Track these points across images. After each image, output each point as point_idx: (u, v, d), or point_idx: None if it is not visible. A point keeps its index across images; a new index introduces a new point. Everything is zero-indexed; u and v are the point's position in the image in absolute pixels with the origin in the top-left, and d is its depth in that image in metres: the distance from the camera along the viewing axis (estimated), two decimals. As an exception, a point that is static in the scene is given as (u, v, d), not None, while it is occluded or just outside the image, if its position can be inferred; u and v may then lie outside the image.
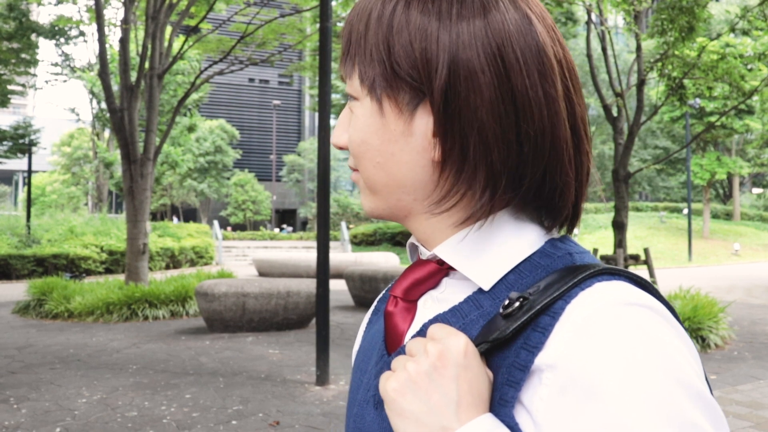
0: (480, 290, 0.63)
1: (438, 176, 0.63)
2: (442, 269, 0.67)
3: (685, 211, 37.86)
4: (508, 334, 0.56)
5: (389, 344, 0.68)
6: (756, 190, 52.76)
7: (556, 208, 0.64)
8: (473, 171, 0.60)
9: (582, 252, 0.64)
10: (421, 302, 0.68)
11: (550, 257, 0.62)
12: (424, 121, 0.61)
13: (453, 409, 0.54)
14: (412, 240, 0.72)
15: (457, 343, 0.56)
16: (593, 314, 0.53)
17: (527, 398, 0.54)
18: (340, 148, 0.69)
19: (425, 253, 0.68)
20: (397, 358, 0.59)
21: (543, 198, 0.63)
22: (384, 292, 0.81)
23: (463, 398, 0.54)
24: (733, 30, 10.36)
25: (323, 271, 6.40)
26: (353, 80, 0.65)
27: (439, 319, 0.64)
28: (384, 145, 0.63)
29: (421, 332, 0.65)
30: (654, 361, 0.50)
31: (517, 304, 0.57)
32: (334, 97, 32.23)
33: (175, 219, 42.23)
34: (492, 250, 0.63)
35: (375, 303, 0.82)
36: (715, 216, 40.77)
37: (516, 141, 0.59)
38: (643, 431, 0.48)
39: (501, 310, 0.58)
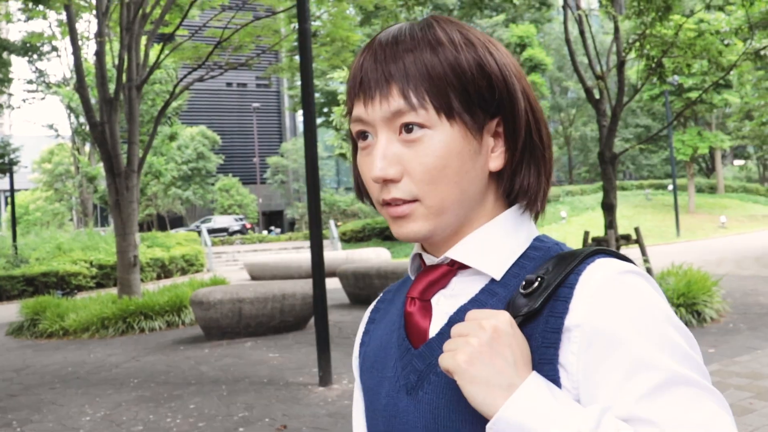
0: (491, 281, 0.76)
1: (497, 180, 0.79)
2: (452, 270, 0.79)
3: (670, 187, 38.18)
4: (539, 306, 0.69)
5: (413, 339, 0.79)
6: (738, 162, 53.28)
7: (537, 202, 0.80)
8: (537, 167, 0.79)
9: (563, 244, 0.80)
10: (434, 301, 0.79)
11: (541, 249, 0.77)
12: (486, 138, 0.76)
13: (513, 369, 0.66)
14: (416, 250, 0.83)
15: (504, 318, 0.68)
16: (602, 281, 0.68)
17: (561, 355, 0.68)
18: (385, 182, 0.74)
19: (433, 260, 0.80)
20: (450, 340, 0.69)
21: (531, 193, 0.79)
22: (382, 294, 0.94)
23: (518, 359, 0.67)
24: (708, 7, 10.42)
25: (318, 273, 6.37)
26: (426, 110, 0.72)
27: (464, 309, 0.75)
28: (463, 164, 0.74)
29: (451, 322, 0.75)
30: (650, 309, 0.67)
31: (536, 283, 0.70)
32: (316, 96, 32.11)
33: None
34: (497, 247, 0.77)
35: (374, 304, 0.94)
36: (699, 190, 41.08)
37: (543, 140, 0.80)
38: (652, 358, 0.64)
39: (522, 291, 0.71)
